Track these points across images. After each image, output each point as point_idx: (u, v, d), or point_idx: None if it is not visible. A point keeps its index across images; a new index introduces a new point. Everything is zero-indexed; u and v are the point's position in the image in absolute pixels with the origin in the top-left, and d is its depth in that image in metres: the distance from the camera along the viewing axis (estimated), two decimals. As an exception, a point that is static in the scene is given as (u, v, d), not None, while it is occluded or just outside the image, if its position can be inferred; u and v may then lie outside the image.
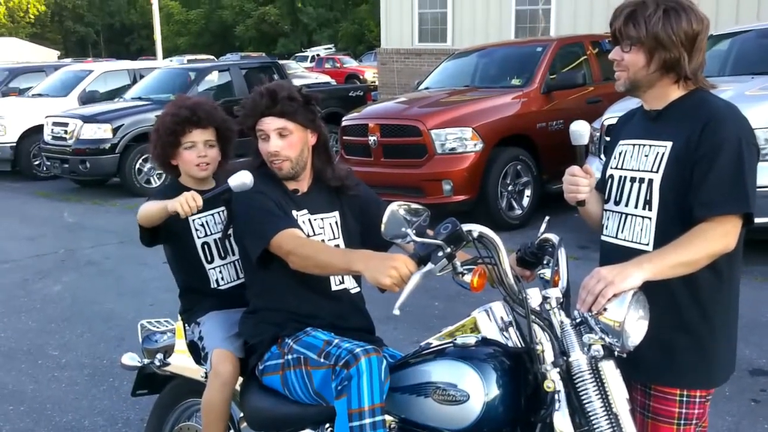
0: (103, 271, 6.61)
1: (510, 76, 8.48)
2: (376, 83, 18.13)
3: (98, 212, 9.33)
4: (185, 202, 2.25)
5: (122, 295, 5.84)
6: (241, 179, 2.21)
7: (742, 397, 3.68)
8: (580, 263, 5.33)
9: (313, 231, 2.36)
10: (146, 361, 2.73)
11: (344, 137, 8.08)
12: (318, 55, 35.85)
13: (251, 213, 2.26)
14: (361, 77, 26.98)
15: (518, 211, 7.54)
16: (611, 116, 6.15)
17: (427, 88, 9.09)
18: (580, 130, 1.99)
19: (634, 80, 1.96)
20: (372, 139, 7.56)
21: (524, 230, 7.14)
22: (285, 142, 2.30)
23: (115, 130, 10.03)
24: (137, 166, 10.12)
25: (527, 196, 7.61)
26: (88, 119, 10.21)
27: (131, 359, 2.76)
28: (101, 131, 10.05)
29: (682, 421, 1.97)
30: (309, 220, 2.37)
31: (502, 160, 7.36)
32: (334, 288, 2.35)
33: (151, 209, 2.43)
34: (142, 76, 12.56)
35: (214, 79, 11.64)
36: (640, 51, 1.92)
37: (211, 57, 34.17)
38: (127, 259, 6.90)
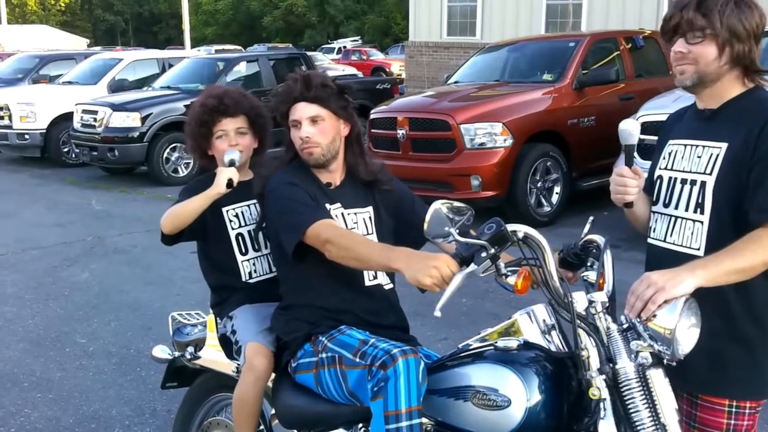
0: (131, 259, 6.63)
1: (541, 71, 8.35)
2: (403, 76, 18.04)
3: (126, 200, 9.38)
4: (224, 178, 2.38)
5: (149, 284, 5.85)
6: (229, 156, 2.47)
7: None
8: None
9: (347, 226, 2.31)
10: (177, 353, 2.71)
11: (372, 130, 8.02)
12: (344, 47, 35.79)
13: (286, 204, 2.22)
14: (388, 70, 26.92)
15: (547, 208, 7.44)
16: (646, 113, 6.02)
17: (456, 82, 9.00)
18: (630, 129, 1.91)
19: (704, 74, 1.86)
20: (401, 132, 7.50)
21: (553, 228, 7.05)
22: (317, 128, 2.28)
23: (143, 119, 10.07)
24: (165, 155, 10.16)
25: (556, 193, 7.51)
26: (117, 107, 10.26)
27: (162, 351, 2.74)
28: (130, 119, 10.10)
29: None
30: (342, 214, 2.32)
31: (531, 156, 7.27)
32: (367, 283, 2.30)
33: (188, 207, 2.43)
34: (171, 66, 12.59)
35: (242, 69, 11.65)
36: (712, 42, 1.83)
37: (239, 47, 34.29)
38: (155, 248, 6.91)
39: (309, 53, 19.30)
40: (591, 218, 2.13)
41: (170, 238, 2.54)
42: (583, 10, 13.68)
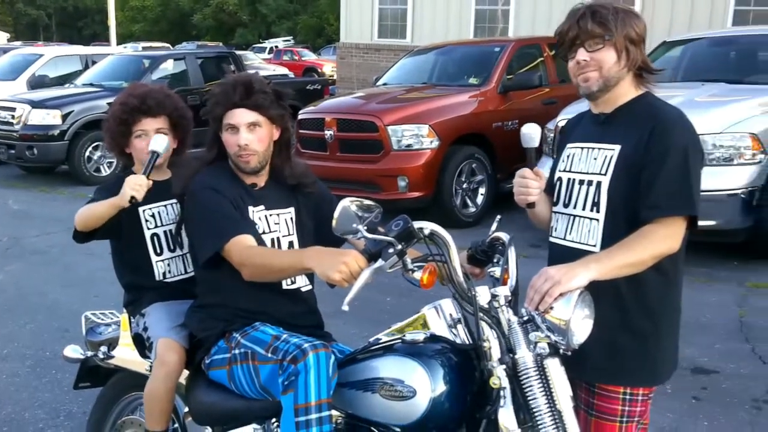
0: (49, 260, 6.45)
1: (468, 75, 8.54)
2: (335, 77, 18.06)
3: (45, 200, 9.09)
4: (134, 186, 2.28)
5: (68, 286, 5.70)
6: (160, 142, 2.44)
7: (683, 395, 3.77)
8: (530, 261, 5.36)
9: (269, 227, 2.33)
10: (89, 353, 2.67)
11: (300, 131, 8.02)
12: (276, 46, 35.51)
13: (206, 213, 2.23)
14: (320, 71, 26.86)
15: (472, 209, 7.59)
16: (564, 117, 6.24)
17: (385, 84, 9.09)
18: (531, 133, 2.02)
19: (607, 78, 1.96)
20: (328, 133, 7.53)
21: (478, 228, 7.20)
22: (255, 135, 2.28)
23: (64, 117, 9.79)
24: (87, 153, 9.89)
25: (481, 195, 7.67)
26: (36, 104, 9.94)
27: (74, 351, 2.69)
28: (50, 117, 9.80)
29: (625, 419, 2.01)
30: (265, 216, 2.34)
31: (457, 158, 7.40)
32: (284, 287, 2.33)
33: (95, 212, 2.41)
34: (94, 62, 12.28)
35: (168, 67, 11.45)
36: (611, 48, 1.94)
37: (167, 45, 33.57)
38: (74, 249, 6.69)
39: (240, 52, 19.10)
40: (498, 217, 2.22)
41: (83, 236, 2.50)
42: (510, 16, 14.00)
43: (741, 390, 3.81)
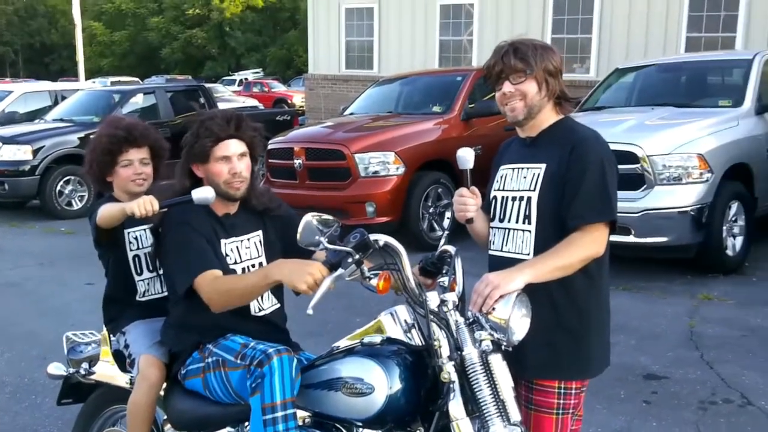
0: (23, 292, 6.54)
1: (431, 104, 8.83)
2: (304, 108, 18.34)
3: (17, 234, 9.16)
4: (143, 204, 2.40)
5: (43, 316, 5.80)
6: (204, 194, 2.37)
7: (635, 399, 4.01)
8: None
9: (240, 257, 2.52)
10: (71, 370, 2.83)
11: (270, 160, 8.24)
12: (246, 78, 35.83)
13: (179, 249, 2.41)
14: (290, 102, 27.13)
15: (439, 233, 7.81)
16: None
17: (352, 114, 9.36)
18: (466, 156, 2.27)
19: (531, 106, 2.22)
20: (297, 162, 7.75)
21: (444, 251, 7.41)
22: (244, 164, 2.50)
23: (35, 152, 9.88)
24: (58, 188, 9.97)
25: (447, 218, 7.91)
26: (7, 140, 10.02)
27: (57, 368, 2.85)
28: (21, 152, 9.88)
29: (560, 411, 2.22)
30: (236, 246, 2.53)
31: (423, 184, 7.66)
32: (253, 313, 2.52)
33: (110, 210, 2.57)
34: (63, 98, 12.40)
35: (139, 101, 11.62)
36: (532, 81, 2.20)
37: (136, 79, 33.72)
38: (48, 281, 6.85)
39: (209, 85, 19.31)
40: (446, 232, 2.45)
41: (107, 239, 2.69)
42: (473, 46, 14.43)
43: (689, 393, 4.06)
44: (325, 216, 2.11)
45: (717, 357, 4.55)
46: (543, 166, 2.21)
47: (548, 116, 2.26)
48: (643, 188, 5.97)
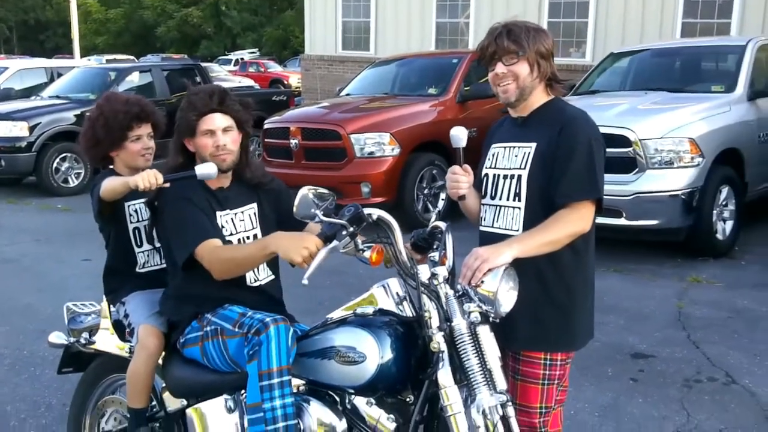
0: (20, 268, 6.59)
1: (427, 86, 8.88)
2: (300, 88, 18.33)
3: (14, 211, 9.20)
4: (146, 178, 2.43)
5: (41, 291, 5.86)
6: (207, 170, 2.43)
7: (622, 377, 4.11)
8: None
9: (235, 228, 2.59)
10: (72, 339, 2.90)
11: (266, 140, 8.28)
12: (242, 58, 35.68)
13: (178, 221, 2.48)
14: (286, 82, 27.06)
15: (434, 214, 7.88)
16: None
17: (348, 95, 9.40)
18: (459, 135, 2.33)
19: (523, 87, 2.27)
20: (293, 142, 7.80)
21: (438, 231, 7.49)
22: (229, 137, 2.57)
23: (32, 128, 9.89)
24: (54, 165, 10.00)
25: (442, 199, 7.95)
26: (3, 116, 10.03)
27: (58, 337, 2.93)
28: (17, 129, 9.90)
29: (546, 381, 2.30)
30: (231, 219, 2.60)
31: (418, 165, 7.72)
32: (248, 284, 2.59)
33: (114, 183, 2.61)
34: (59, 75, 12.39)
35: (134, 79, 11.61)
36: (524, 62, 2.25)
37: (131, 57, 33.55)
38: (45, 257, 6.90)
39: (205, 64, 19.24)
40: (438, 209, 2.52)
41: (109, 211, 2.75)
42: (470, 29, 14.43)
43: (674, 372, 4.16)
44: (321, 189, 2.17)
45: (703, 337, 4.65)
46: (533, 145, 2.27)
47: (539, 97, 2.32)
48: (635, 172, 6.04)
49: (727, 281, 5.79)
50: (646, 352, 4.46)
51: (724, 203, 6.45)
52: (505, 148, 2.37)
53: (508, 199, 2.31)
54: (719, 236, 6.41)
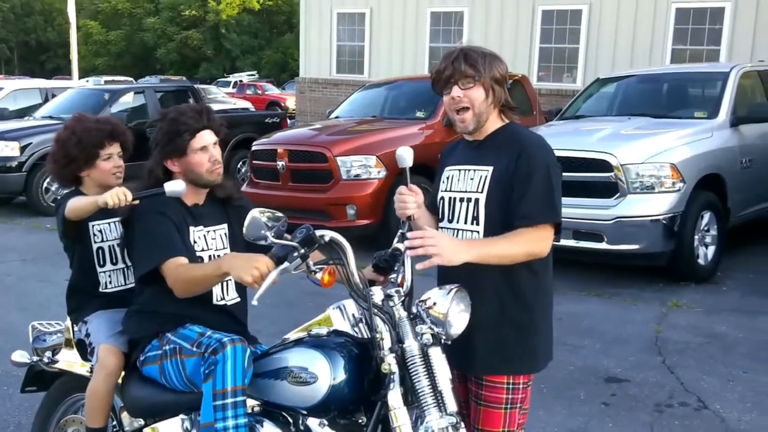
0: (4, 287, 6.60)
1: (416, 109, 8.94)
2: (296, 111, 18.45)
3: (3, 230, 9.21)
4: (115, 195, 2.46)
5: (23, 311, 5.85)
6: (175, 187, 2.46)
7: (594, 401, 4.10)
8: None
9: (207, 245, 2.63)
10: (35, 358, 2.91)
11: (254, 161, 8.34)
12: (240, 81, 35.92)
13: (149, 234, 2.50)
14: (283, 104, 27.23)
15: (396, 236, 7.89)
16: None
17: (337, 117, 9.47)
18: (404, 155, 2.34)
19: (480, 115, 2.29)
20: (280, 164, 7.85)
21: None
22: (217, 152, 2.64)
23: (23, 148, 9.95)
24: (44, 185, 10.03)
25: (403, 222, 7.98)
26: (-5, 136, 10.09)
27: (21, 356, 2.93)
28: (8, 149, 9.96)
29: (509, 406, 2.30)
30: (204, 235, 2.64)
31: (404, 188, 7.74)
32: (214, 302, 2.61)
33: (81, 203, 2.65)
34: (54, 95, 12.46)
35: (128, 100, 11.69)
36: (480, 87, 2.28)
37: (130, 78, 33.75)
38: (30, 277, 6.91)
39: (204, 86, 19.42)
40: (400, 231, 2.53)
41: (74, 233, 2.78)
42: (463, 53, 14.55)
43: (647, 396, 4.16)
44: (272, 211, 2.20)
45: (679, 362, 4.65)
46: (490, 168, 2.29)
47: (494, 122, 2.34)
48: (616, 196, 6.07)
49: (706, 306, 5.80)
50: (620, 376, 4.46)
51: (706, 228, 6.48)
52: (460, 170, 2.39)
53: (465, 223, 2.32)
54: (701, 261, 6.43)
